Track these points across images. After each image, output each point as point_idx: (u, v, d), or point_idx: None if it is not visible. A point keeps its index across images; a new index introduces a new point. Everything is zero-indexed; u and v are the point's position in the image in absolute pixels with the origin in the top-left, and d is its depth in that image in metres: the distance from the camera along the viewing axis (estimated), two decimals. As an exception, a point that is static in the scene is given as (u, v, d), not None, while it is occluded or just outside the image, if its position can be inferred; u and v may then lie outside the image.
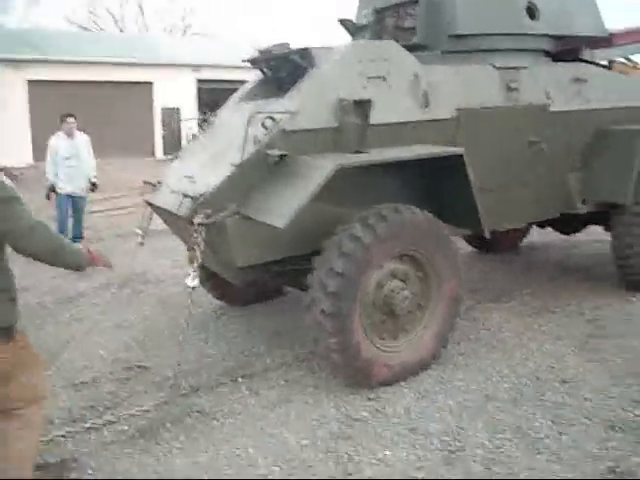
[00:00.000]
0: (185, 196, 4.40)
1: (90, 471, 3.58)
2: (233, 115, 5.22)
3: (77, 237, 9.21)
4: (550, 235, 8.34)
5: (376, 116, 4.47)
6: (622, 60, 6.63)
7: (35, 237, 2.81)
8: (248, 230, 4.29)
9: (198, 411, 4.22)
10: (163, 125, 26.81)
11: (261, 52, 5.23)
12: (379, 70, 4.67)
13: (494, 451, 3.58)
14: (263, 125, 4.33)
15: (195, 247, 4.23)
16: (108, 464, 3.64)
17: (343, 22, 6.07)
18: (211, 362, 5.03)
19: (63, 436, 3.88)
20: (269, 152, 4.21)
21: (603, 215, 6.18)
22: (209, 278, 5.82)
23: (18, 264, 3.28)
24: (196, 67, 27.29)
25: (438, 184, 4.86)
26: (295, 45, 5.17)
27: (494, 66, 5.24)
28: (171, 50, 28.83)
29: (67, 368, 4.92)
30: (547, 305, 5.93)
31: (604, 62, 6.38)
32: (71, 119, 9.13)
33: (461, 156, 4.50)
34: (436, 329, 4.62)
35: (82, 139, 9.27)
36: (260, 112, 4.32)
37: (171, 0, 54.51)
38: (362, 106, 4.38)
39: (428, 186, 4.90)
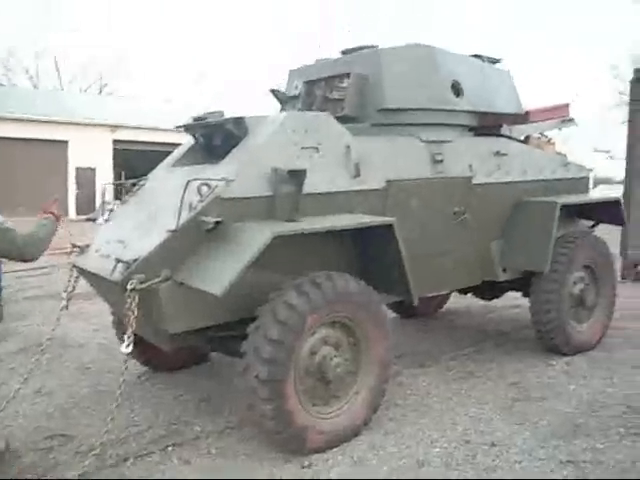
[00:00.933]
0: (118, 261, 4.38)
1: None
2: (165, 180, 5.26)
3: None
4: (468, 300, 8.64)
5: (309, 185, 4.59)
6: (537, 135, 7.07)
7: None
8: (181, 296, 4.29)
9: (128, 480, 4.13)
10: (77, 185, 26.38)
11: (195, 119, 5.33)
12: (312, 141, 4.83)
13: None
14: (199, 192, 4.39)
15: (129, 313, 4.20)
16: None
17: (274, 92, 6.26)
18: (139, 430, 4.90)
19: None
20: (204, 219, 4.26)
21: (521, 282, 6.47)
22: (135, 344, 5.71)
23: None
24: (113, 127, 27.13)
25: (368, 252, 5.00)
26: (226, 113, 5.32)
27: (421, 139, 5.51)
28: (88, 109, 28.62)
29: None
30: (471, 370, 6.11)
31: (521, 137, 6.78)
32: None
33: (391, 226, 4.67)
34: (367, 395, 4.69)
35: None
36: (196, 178, 4.37)
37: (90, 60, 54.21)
38: (296, 175, 4.50)
39: (359, 254, 5.04)
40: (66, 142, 26.06)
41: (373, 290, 4.67)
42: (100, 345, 7.28)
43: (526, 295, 6.67)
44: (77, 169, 26.37)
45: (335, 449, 4.47)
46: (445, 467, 4.19)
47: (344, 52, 5.98)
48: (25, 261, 4.22)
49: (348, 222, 4.54)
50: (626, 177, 10.94)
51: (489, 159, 6.00)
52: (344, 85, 5.60)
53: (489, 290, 6.90)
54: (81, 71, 51.07)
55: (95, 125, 26.64)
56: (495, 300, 7.67)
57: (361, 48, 5.82)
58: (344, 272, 4.56)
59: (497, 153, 6.07)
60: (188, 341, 4.84)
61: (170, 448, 4.60)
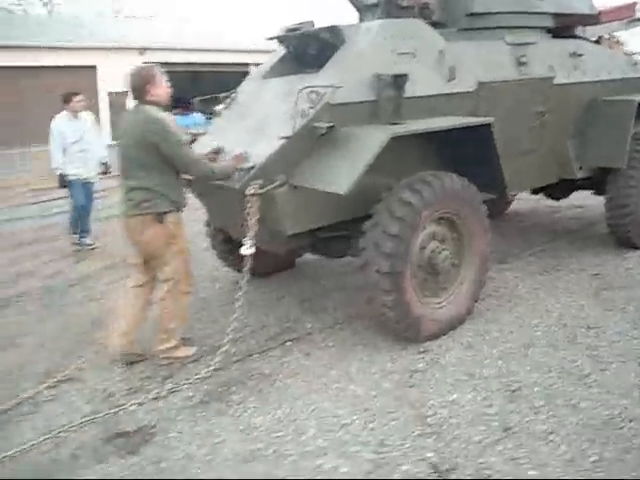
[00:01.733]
0: (236, 169, 4.62)
1: (173, 434, 3.81)
2: (261, 91, 5.44)
3: (85, 230, 8.56)
4: (531, 202, 8.88)
5: (408, 89, 4.77)
6: (607, 36, 7.13)
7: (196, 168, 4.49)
8: (297, 199, 4.56)
9: (258, 374, 4.49)
10: (111, 109, 26.47)
11: (288, 30, 5.47)
12: (408, 46, 4.99)
13: (549, 388, 3.98)
14: (308, 99, 4.59)
15: (249, 217, 4.47)
16: (187, 427, 3.87)
17: (352, 0, 6.34)
18: (252, 329, 5.26)
19: (131, 405, 4.11)
20: (317, 124, 4.48)
21: (595, 180, 6.67)
22: (232, 252, 6.05)
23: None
24: (141, 49, 27.01)
25: (462, 152, 5.20)
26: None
27: (506, 42, 5.64)
28: (113, 32, 28.46)
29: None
30: (552, 264, 6.40)
31: (593, 38, 6.85)
32: (78, 97, 8.17)
33: (489, 125, 4.87)
34: (470, 285, 5.00)
35: (88, 119, 8.41)
36: (307, 86, 4.56)
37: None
38: (398, 80, 4.67)
39: (453, 154, 5.25)
40: (94, 67, 26.03)
41: (475, 187, 4.91)
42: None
43: (599, 193, 6.88)
44: (109, 94, 26.35)
45: (444, 336, 4.82)
46: (551, 348, 4.52)
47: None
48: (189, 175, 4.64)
49: (454, 122, 4.74)
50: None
51: (567, 60, 6.11)
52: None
53: (561, 189, 7.11)
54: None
55: (123, 48, 26.51)
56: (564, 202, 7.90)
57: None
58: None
59: (574, 54, 6.18)
60: (300, 242, 5.12)
61: (288, 343, 4.97)
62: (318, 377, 4.37)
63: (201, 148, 5.24)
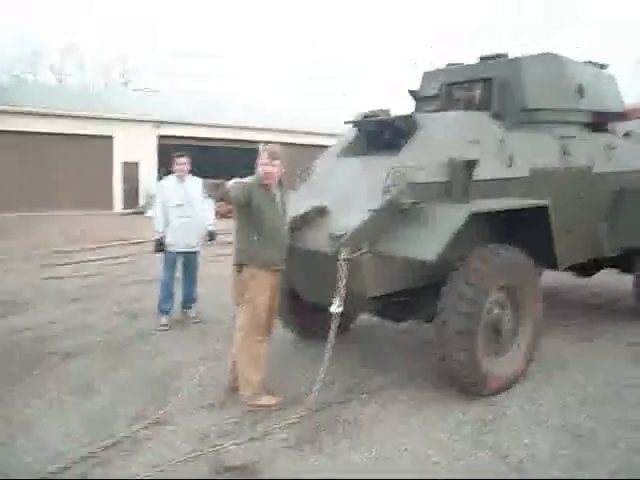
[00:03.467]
0: (329, 235, 5.22)
1: (278, 470, 4.25)
2: (339, 168, 6.14)
3: (189, 301, 8.27)
4: (553, 279, 9.54)
5: (475, 173, 5.50)
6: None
7: None
8: (380, 265, 5.17)
9: (343, 420, 5.01)
10: (124, 179, 27.32)
11: (366, 116, 6.25)
12: (475, 135, 5.76)
13: (610, 433, 4.58)
14: (392, 177, 5.28)
15: (339, 279, 5.06)
16: (290, 464, 4.33)
17: (412, 92, 7.20)
18: (326, 384, 5.63)
19: (230, 445, 4.59)
20: (402, 200, 5.16)
21: (622, 259, 7.38)
22: (294, 313, 6.66)
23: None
24: (157, 123, 28.07)
25: (518, 229, 5.88)
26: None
27: (554, 135, 6.46)
28: (132, 105, 29.57)
29: (193, 393, 5.60)
30: (588, 334, 7.06)
31: (622, 133, 7.71)
32: (183, 159, 7.88)
33: (547, 207, 5.58)
34: (525, 348, 5.61)
35: (195, 183, 7.82)
36: (394, 167, 5.27)
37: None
38: (470, 165, 5.41)
39: (512, 230, 5.92)
40: (111, 137, 27.01)
41: (531, 260, 5.58)
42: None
43: (625, 271, 7.58)
44: (123, 164, 27.28)
45: (506, 392, 5.39)
46: (602, 402, 5.11)
47: (481, 59, 6.88)
48: None
49: (521, 203, 5.47)
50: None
51: (602, 152, 6.95)
52: (484, 88, 6.52)
53: (591, 267, 7.80)
54: (105, 69, 51.72)
55: (140, 121, 27.57)
56: (584, 280, 8.60)
57: (497, 56, 6.72)
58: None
59: (608, 147, 7.03)
60: (375, 305, 5.71)
61: (363, 396, 5.50)
62: (400, 424, 4.90)
63: (296, 209, 5.68)
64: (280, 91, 71.76)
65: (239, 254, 5.29)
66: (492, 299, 5.30)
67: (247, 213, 5.18)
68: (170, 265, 7.94)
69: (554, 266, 5.91)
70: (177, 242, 7.85)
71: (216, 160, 33.09)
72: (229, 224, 6.66)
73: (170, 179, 7.98)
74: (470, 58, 6.96)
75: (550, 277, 9.38)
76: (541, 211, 5.61)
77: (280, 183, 5.38)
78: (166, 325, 7.91)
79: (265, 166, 5.21)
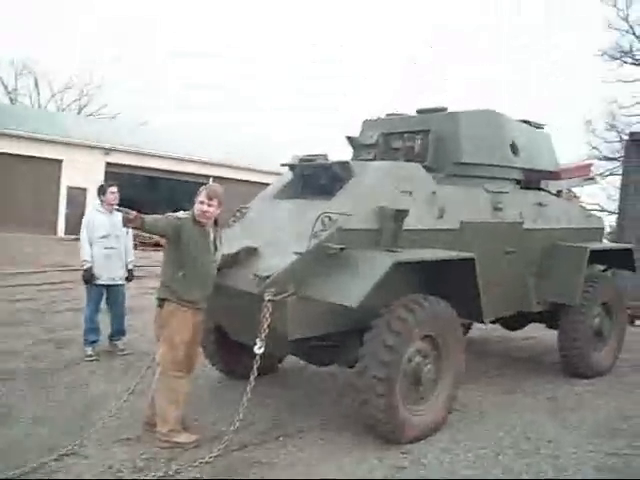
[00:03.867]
0: (255, 276, 5.24)
1: None
2: (273, 210, 6.21)
3: (117, 333, 8.18)
4: (483, 331, 9.71)
5: (405, 223, 5.61)
6: (566, 190, 8.28)
7: None
8: (303, 308, 5.20)
9: (258, 462, 4.96)
10: (68, 204, 27.00)
11: (302, 159, 6.34)
12: (408, 186, 5.90)
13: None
14: (322, 222, 5.36)
15: (264, 320, 5.07)
16: None
17: (350, 139, 7.32)
18: (245, 425, 5.63)
19: None
20: (329, 245, 5.23)
21: (548, 314, 7.57)
22: (220, 352, 6.66)
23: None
24: (107, 150, 27.90)
25: (444, 280, 5.98)
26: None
27: (486, 190, 6.63)
28: (83, 130, 29.36)
29: (110, 426, 5.50)
30: (510, 386, 7.18)
31: (554, 191, 7.96)
32: (114, 189, 7.80)
33: (473, 259, 5.71)
34: (445, 398, 5.68)
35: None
36: (324, 212, 5.34)
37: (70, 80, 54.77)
38: (400, 214, 5.51)
39: (438, 280, 6.01)
40: (60, 161, 26.74)
41: (455, 311, 5.68)
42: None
43: (551, 326, 7.77)
44: (68, 188, 26.97)
45: (423, 441, 5.43)
46: (518, 455, 5.20)
47: (420, 111, 7.06)
48: None
49: (445, 255, 5.59)
50: (618, 229, 12.14)
51: (533, 209, 7.15)
52: (422, 140, 6.67)
53: (518, 320, 7.97)
54: (60, 91, 51.24)
55: (89, 147, 27.39)
56: (512, 332, 8.77)
57: (434, 110, 6.91)
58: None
59: (539, 204, 7.25)
60: (297, 347, 5.74)
61: (281, 438, 5.49)
62: (315, 467, 4.90)
63: (228, 247, 5.70)
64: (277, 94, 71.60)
65: (162, 288, 5.29)
66: (414, 348, 5.37)
67: (175, 248, 5.18)
68: (94, 297, 7.87)
69: (479, 319, 6.02)
70: (101, 274, 7.78)
71: (165, 192, 33.22)
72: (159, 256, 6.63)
73: (98, 209, 7.87)
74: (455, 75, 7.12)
75: (479, 328, 9.56)
76: (467, 263, 5.73)
77: (215, 223, 5.41)
78: (91, 356, 7.81)
79: (202, 205, 5.22)
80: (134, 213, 4.90)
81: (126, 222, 4.91)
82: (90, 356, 7.79)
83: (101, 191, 7.86)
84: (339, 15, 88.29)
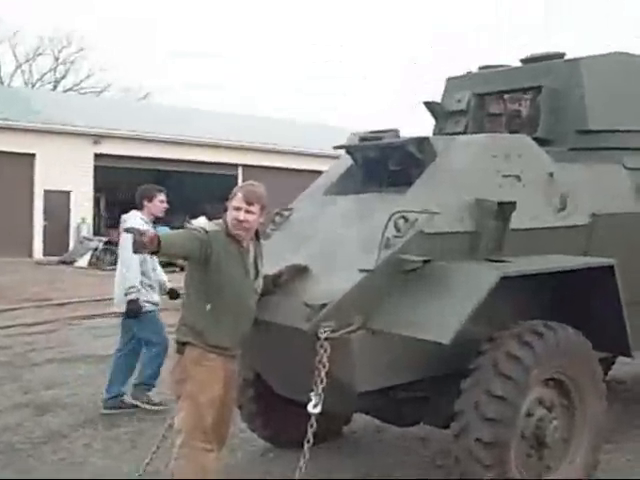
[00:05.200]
0: (305, 305, 5.21)
1: None
2: (324, 210, 6.17)
3: (152, 379, 8.43)
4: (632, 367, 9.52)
5: (513, 220, 5.52)
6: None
7: None
8: (376, 347, 5.14)
9: None
10: (45, 215, 27.47)
11: (363, 138, 6.29)
12: (514, 168, 5.81)
13: None
14: (395, 226, 5.29)
15: (320, 365, 5.02)
16: None
17: (430, 106, 7.26)
18: None
19: None
20: (407, 257, 5.17)
21: None
22: (263, 413, 6.63)
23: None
24: (97, 137, 28.31)
25: (569, 298, 5.88)
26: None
27: (626, 167, 6.48)
28: (61, 112, 29.82)
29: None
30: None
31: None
32: (163, 196, 8.40)
33: (612, 267, 5.58)
34: (580, 466, 5.55)
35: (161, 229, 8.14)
36: (399, 211, 5.28)
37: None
38: (504, 209, 5.43)
39: (561, 300, 5.92)
40: (32, 156, 27.18)
41: (590, 343, 5.56)
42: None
43: None
44: (46, 193, 27.41)
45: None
46: None
47: (525, 60, 6.97)
48: None
49: (573, 262, 5.48)
50: None
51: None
52: (531, 101, 6.58)
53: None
54: (28, 59, 52.28)
55: (71, 134, 27.78)
56: None
57: (548, 57, 6.81)
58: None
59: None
60: (369, 403, 5.69)
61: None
62: None
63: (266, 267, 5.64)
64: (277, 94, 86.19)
65: (183, 328, 5.20)
66: (534, 397, 5.27)
67: (202, 271, 5.07)
68: (158, 323, 8.29)
69: (625, 351, 5.89)
70: (154, 299, 8.20)
71: (178, 191, 33.44)
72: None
73: (137, 220, 7.92)
74: (476, 59, 7.06)
75: (625, 363, 9.33)
76: (605, 273, 5.60)
77: (256, 236, 5.38)
78: (160, 404, 8.26)
79: (238, 212, 5.13)
80: (151, 233, 4.77)
81: (140, 247, 4.72)
82: (159, 404, 8.24)
83: (146, 196, 8.12)
84: (339, 15, 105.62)
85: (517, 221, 5.58)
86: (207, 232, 5.03)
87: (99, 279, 21.72)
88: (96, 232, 30.21)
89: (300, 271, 5.59)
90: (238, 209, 5.10)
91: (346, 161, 6.71)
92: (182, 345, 5.18)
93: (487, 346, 5.18)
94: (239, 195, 5.15)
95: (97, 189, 28.43)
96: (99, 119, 29.91)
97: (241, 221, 5.10)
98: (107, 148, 28.76)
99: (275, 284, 5.55)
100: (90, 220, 29.50)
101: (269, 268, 5.55)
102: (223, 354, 5.16)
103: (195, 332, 5.10)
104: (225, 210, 5.22)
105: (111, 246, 28.02)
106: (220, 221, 5.23)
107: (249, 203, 5.11)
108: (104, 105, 35.46)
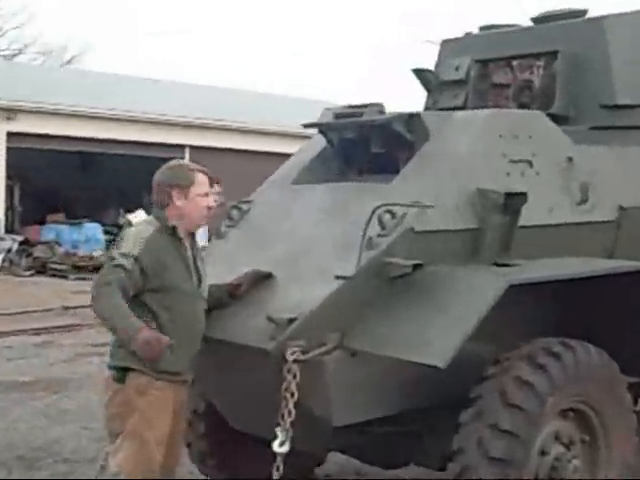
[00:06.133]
0: (270, 320, 5.16)
1: None
2: (293, 203, 6.14)
3: None
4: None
5: (522, 215, 5.53)
6: None
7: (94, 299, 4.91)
8: (355, 372, 5.13)
9: None
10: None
11: (339, 115, 6.27)
12: (524, 151, 5.82)
13: None
14: (380, 222, 5.28)
15: (287, 395, 4.98)
16: None
17: (420, 72, 7.26)
18: None
19: None
20: (392, 260, 5.16)
21: None
22: (216, 451, 6.59)
23: None
24: (10, 112, 28.14)
25: (586, 311, 5.88)
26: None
27: (659, 149, 6.51)
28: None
29: None
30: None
31: None
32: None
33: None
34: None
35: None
36: (383, 204, 5.26)
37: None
38: (513, 200, 5.43)
39: (579, 313, 5.92)
40: None
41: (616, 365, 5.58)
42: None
43: None
44: None
45: None
46: None
47: (538, 19, 6.98)
48: None
49: (603, 266, 5.53)
50: None
51: None
52: (545, 69, 6.59)
53: None
54: None
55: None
56: None
57: (566, 15, 6.83)
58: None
59: None
60: (346, 440, 5.67)
61: None
62: None
63: (220, 273, 5.66)
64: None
65: (121, 351, 5.06)
66: (549, 432, 5.28)
67: (141, 281, 4.99)
68: None
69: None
70: None
71: (112, 178, 33.51)
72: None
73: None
74: None
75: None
76: (637, 280, 5.61)
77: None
78: None
79: (206, 197, 5.15)
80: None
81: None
82: None
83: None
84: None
85: (528, 216, 5.58)
86: (135, 256, 4.90)
87: (13, 287, 21.57)
88: (9, 229, 29.92)
89: (262, 279, 5.55)
90: (206, 195, 5.14)
91: (319, 142, 6.69)
92: (122, 371, 5.06)
93: (492, 370, 5.17)
94: (201, 178, 5.14)
95: (10, 176, 28.06)
96: (12, 89, 29.64)
97: (210, 208, 5.18)
98: (22, 125, 28.51)
99: (231, 295, 5.50)
100: (1, 214, 29.21)
101: (224, 275, 5.55)
102: (173, 380, 5.10)
103: (139, 356, 4.95)
104: (159, 203, 5.15)
105: (28, 247, 27.97)
106: (151, 217, 5.23)
107: (212, 185, 5.18)
108: (18, 72, 35.01)
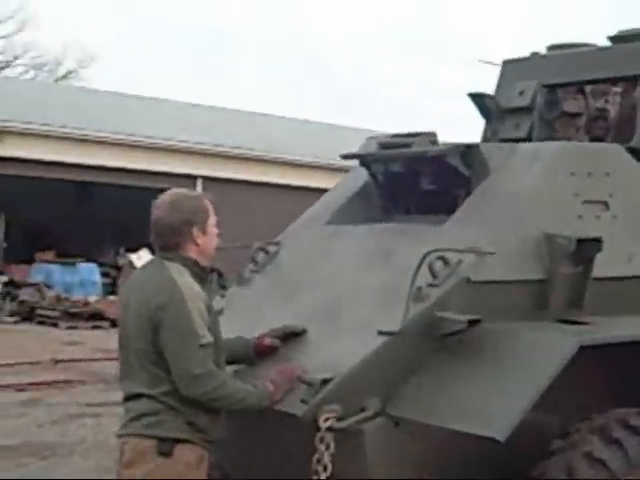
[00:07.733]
0: (301, 381, 5.16)
1: None
2: (328, 245, 6.18)
3: None
4: None
5: (597, 264, 5.53)
6: None
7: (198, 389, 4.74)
8: (398, 443, 5.14)
9: None
10: None
11: (384, 145, 6.30)
12: (600, 190, 5.84)
13: None
14: (430, 270, 5.30)
15: (319, 468, 4.97)
16: None
17: (477, 98, 7.29)
18: None
19: None
20: (445, 315, 5.17)
21: None
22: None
23: None
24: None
25: None
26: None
27: None
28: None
29: None
30: None
31: None
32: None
33: None
34: None
35: None
36: (435, 250, 5.27)
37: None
38: (586, 248, 5.44)
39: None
40: None
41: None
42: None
43: None
44: None
45: None
46: None
47: (615, 38, 7.00)
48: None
49: None
50: None
51: None
52: (624, 97, 6.63)
53: None
54: None
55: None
56: None
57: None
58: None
59: None
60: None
61: None
62: None
63: (242, 326, 5.69)
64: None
65: (175, 420, 4.94)
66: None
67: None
68: None
69: None
70: None
71: (110, 212, 33.62)
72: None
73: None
74: None
75: None
76: None
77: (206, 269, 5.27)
78: None
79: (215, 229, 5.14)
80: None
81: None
82: None
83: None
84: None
85: (603, 266, 5.59)
86: (171, 278, 4.87)
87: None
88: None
89: (293, 335, 5.55)
90: (216, 223, 5.14)
91: (360, 176, 6.72)
92: (170, 443, 4.91)
93: (559, 444, 5.15)
94: (210, 205, 5.13)
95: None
96: (-1, 107, 29.94)
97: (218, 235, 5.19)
98: (9, 149, 28.70)
99: (257, 352, 5.50)
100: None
101: (249, 328, 5.56)
102: (199, 444, 5.01)
103: (196, 428, 4.92)
104: (173, 245, 5.05)
105: (13, 289, 28.01)
106: (173, 263, 5.01)
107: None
108: (6, 87, 35.28)
